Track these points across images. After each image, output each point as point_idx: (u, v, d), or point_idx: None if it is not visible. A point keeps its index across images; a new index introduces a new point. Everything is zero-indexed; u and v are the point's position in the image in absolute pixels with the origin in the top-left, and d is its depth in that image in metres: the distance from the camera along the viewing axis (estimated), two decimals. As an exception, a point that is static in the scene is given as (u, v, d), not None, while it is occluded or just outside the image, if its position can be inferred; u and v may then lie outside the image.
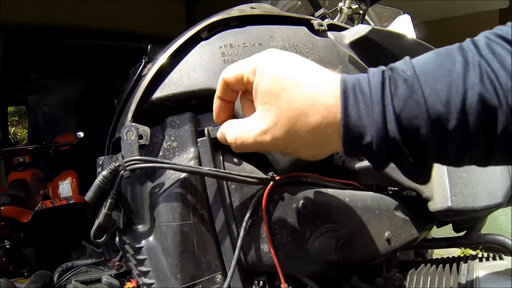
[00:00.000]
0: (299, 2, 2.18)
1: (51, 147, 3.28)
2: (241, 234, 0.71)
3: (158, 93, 0.76)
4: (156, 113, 0.80)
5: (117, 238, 0.80)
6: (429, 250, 1.87)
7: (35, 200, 2.95)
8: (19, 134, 7.35)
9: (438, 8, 4.06)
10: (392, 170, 0.95)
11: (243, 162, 0.76)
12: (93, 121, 4.41)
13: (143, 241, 0.69)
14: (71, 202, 2.67)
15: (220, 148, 0.74)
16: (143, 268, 0.69)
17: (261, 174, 0.76)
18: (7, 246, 2.25)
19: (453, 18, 4.35)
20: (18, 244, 2.39)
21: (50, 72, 4.63)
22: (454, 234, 1.21)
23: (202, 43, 0.86)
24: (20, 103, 5.90)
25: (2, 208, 2.24)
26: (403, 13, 1.91)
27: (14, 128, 7.26)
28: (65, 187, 3.43)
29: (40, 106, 4.45)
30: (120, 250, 0.80)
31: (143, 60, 0.87)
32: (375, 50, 1.04)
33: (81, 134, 3.30)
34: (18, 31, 3.97)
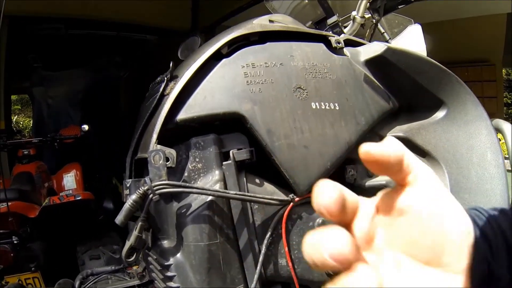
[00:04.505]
0: (306, 1, 2.17)
1: (56, 140, 3.29)
2: (263, 251, 0.75)
3: (183, 115, 0.79)
4: (179, 133, 0.82)
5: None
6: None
7: (40, 193, 2.97)
8: (21, 123, 7.34)
9: (447, 9, 4.04)
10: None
11: (265, 183, 0.80)
12: (97, 114, 4.41)
13: (171, 259, 0.73)
14: (78, 198, 2.70)
15: (243, 169, 0.77)
16: (172, 284, 0.73)
17: (281, 195, 0.79)
18: (15, 242, 2.27)
19: (461, 20, 4.34)
20: (25, 239, 2.43)
21: (54, 63, 4.60)
22: None
23: (224, 61, 0.87)
24: (24, 92, 5.87)
25: (9, 203, 2.26)
26: (414, 23, 1.91)
27: (16, 117, 7.24)
28: (70, 180, 3.45)
29: (45, 99, 4.43)
30: (144, 262, 0.84)
31: (165, 78, 0.88)
32: (389, 69, 1.06)
33: (85, 127, 3.31)
34: (22, 21, 3.94)
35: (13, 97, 6.97)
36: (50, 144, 3.33)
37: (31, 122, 5.46)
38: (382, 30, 1.91)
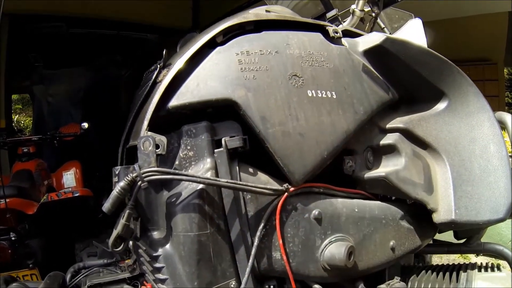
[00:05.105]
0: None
1: (55, 138, 3.28)
2: (255, 243, 0.72)
3: (175, 101, 0.77)
4: (172, 120, 0.80)
5: (130, 242, 0.82)
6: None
7: (39, 190, 2.95)
8: (22, 122, 7.35)
9: (448, 8, 4.01)
10: (400, 181, 0.97)
11: (258, 172, 0.77)
12: (97, 112, 4.41)
13: (160, 250, 0.71)
14: (77, 195, 2.68)
15: (236, 158, 0.75)
16: (161, 276, 0.70)
17: (275, 185, 0.77)
18: (13, 238, 2.26)
19: (463, 18, 4.30)
20: (23, 235, 2.41)
21: (55, 62, 4.60)
22: (452, 236, 1.23)
23: (218, 49, 0.85)
24: (25, 91, 5.88)
25: (8, 200, 2.25)
26: (414, 17, 1.89)
27: (17, 116, 7.25)
28: (69, 178, 3.43)
29: (45, 97, 4.43)
30: (134, 254, 0.81)
31: (158, 66, 0.87)
32: (388, 59, 1.04)
33: (85, 125, 3.29)
34: (23, 20, 3.94)
35: (14, 96, 6.99)
36: (50, 142, 3.32)
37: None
38: (382, 25, 1.88)
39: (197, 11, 4.74)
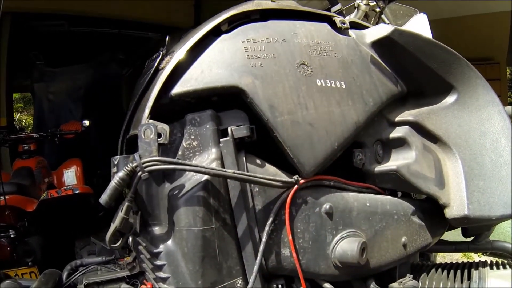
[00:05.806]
0: (311, -1, 2.13)
1: (56, 135, 3.26)
2: (264, 239, 0.69)
3: (178, 88, 0.73)
4: (174, 109, 0.77)
5: (130, 238, 0.78)
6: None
7: (40, 188, 2.92)
8: (24, 121, 7.33)
9: (451, 7, 3.99)
10: (411, 175, 0.94)
11: (266, 164, 0.74)
12: (99, 109, 4.38)
13: (161, 246, 0.67)
14: (77, 192, 2.65)
15: (243, 148, 0.71)
16: (162, 274, 0.66)
17: (284, 177, 0.73)
18: (12, 236, 2.17)
19: (465, 18, 4.28)
20: (22, 233, 2.36)
21: (56, 60, 4.58)
22: (456, 235, 1.20)
23: (223, 36, 0.82)
24: (26, 90, 5.86)
25: (7, 197, 2.22)
26: (419, 12, 1.87)
27: (19, 115, 7.22)
28: (70, 176, 3.40)
29: (46, 94, 4.40)
30: (134, 251, 0.78)
31: (161, 53, 0.83)
32: (396, 51, 1.01)
33: (86, 122, 3.27)
34: (24, 18, 3.92)
35: (16, 95, 6.98)
36: (51, 140, 3.29)
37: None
38: (387, 21, 1.85)
39: (199, 9, 4.72)
